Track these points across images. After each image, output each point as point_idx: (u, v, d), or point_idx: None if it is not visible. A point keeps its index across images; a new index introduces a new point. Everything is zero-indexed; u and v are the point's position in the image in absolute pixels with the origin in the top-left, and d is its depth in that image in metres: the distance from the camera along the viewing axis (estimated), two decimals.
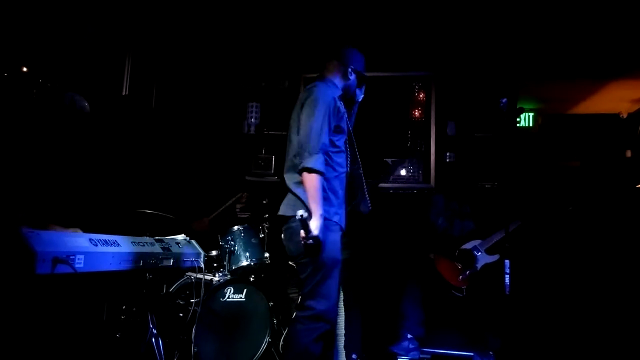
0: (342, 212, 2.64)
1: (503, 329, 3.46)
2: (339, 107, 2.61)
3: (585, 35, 4.37)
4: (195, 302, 3.07)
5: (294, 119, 2.66)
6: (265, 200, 4.02)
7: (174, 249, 2.81)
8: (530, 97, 4.91)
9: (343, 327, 3.86)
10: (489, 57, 4.68)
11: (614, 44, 4.45)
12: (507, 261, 2.78)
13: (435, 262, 3.84)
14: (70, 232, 2.17)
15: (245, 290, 3.35)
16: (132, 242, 2.46)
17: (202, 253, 3.10)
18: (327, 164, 2.51)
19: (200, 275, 3.06)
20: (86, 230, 2.24)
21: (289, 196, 2.59)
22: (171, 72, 4.95)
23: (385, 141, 4.86)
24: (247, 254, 3.58)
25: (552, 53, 4.62)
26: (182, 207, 4.27)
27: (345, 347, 3.81)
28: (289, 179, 2.59)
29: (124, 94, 4.58)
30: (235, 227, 3.66)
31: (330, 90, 2.64)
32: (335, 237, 2.53)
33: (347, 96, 2.84)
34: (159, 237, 2.79)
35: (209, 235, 4.05)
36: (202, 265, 2.99)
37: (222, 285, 3.32)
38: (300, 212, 2.27)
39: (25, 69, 3.45)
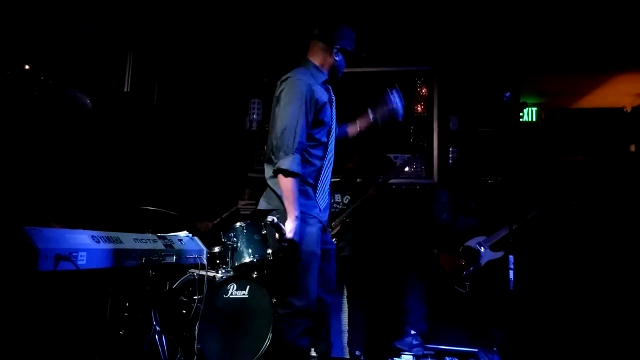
0: (324, 204, 2.53)
1: (507, 325, 3.45)
2: (317, 98, 2.44)
3: (588, 28, 4.35)
4: (198, 298, 3.06)
5: (272, 111, 2.53)
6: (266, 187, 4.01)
7: (177, 245, 2.80)
8: (533, 91, 4.89)
9: (346, 323, 3.87)
10: (492, 51, 4.66)
11: (617, 37, 4.42)
12: (511, 257, 2.76)
13: (438, 258, 3.83)
14: (72, 230, 2.16)
15: (248, 286, 3.34)
16: (134, 239, 2.45)
17: (205, 250, 3.09)
18: (304, 159, 2.40)
19: (203, 272, 3.05)
20: (88, 227, 2.23)
21: (267, 190, 2.50)
22: (173, 69, 4.94)
23: (387, 137, 4.85)
24: (250, 250, 3.58)
25: (555, 47, 4.59)
26: (185, 203, 4.27)
27: (348, 342, 3.82)
28: (266, 172, 2.50)
29: (125, 90, 4.58)
30: (238, 224, 3.66)
31: (306, 77, 2.47)
32: (312, 230, 2.42)
33: (336, 78, 2.66)
34: (162, 234, 2.78)
35: (211, 231, 4.06)
36: (205, 262, 2.98)
37: (225, 282, 3.31)
38: (271, 218, 2.23)
39: (27, 67, 3.44)
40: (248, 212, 4.51)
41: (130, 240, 2.40)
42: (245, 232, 3.62)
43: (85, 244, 2.05)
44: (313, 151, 2.47)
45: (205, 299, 2.99)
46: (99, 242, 2.14)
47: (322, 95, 2.50)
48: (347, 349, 3.83)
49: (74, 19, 3.91)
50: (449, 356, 3.60)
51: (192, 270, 3.37)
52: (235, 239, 3.59)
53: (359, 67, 4.86)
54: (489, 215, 3.96)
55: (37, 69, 3.42)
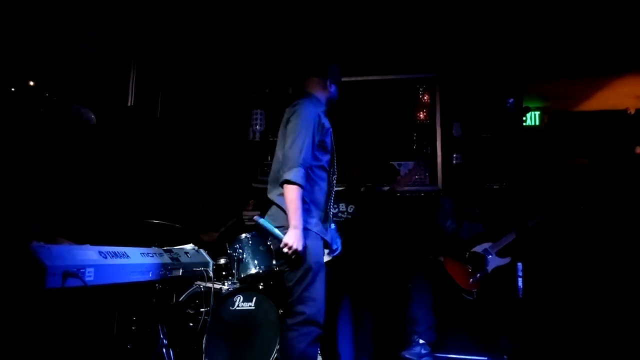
0: (327, 225, 2.71)
1: (516, 332, 3.42)
2: (323, 124, 2.68)
3: (589, 31, 4.35)
4: (205, 311, 3.06)
5: (280, 135, 2.74)
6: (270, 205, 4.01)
7: (183, 259, 2.81)
8: (536, 96, 4.88)
9: (353, 333, 3.85)
10: (493, 57, 4.67)
11: (619, 40, 4.42)
12: (519, 264, 2.75)
13: (445, 265, 3.81)
14: (79, 246, 2.18)
15: (254, 298, 3.33)
16: (141, 254, 2.46)
17: (211, 262, 3.09)
18: (309, 177, 2.58)
19: (209, 284, 3.05)
20: (95, 242, 2.24)
21: (272, 208, 2.65)
22: (176, 82, 4.97)
23: (390, 144, 4.86)
24: (256, 261, 3.57)
25: (557, 51, 4.59)
26: (190, 216, 4.28)
27: (356, 352, 3.80)
28: (273, 191, 2.66)
29: (129, 104, 4.61)
30: (243, 235, 3.65)
31: (314, 107, 2.70)
32: (317, 243, 2.57)
33: (331, 106, 2.92)
34: (168, 248, 2.79)
35: (217, 245, 4.06)
36: (212, 274, 2.98)
37: (232, 294, 3.31)
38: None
39: (32, 83, 3.47)
40: (252, 224, 4.51)
41: (137, 255, 2.41)
42: (251, 244, 3.61)
43: (93, 260, 2.05)
44: (317, 172, 2.67)
45: (212, 311, 2.99)
46: (106, 258, 2.15)
47: (326, 122, 2.74)
48: (354, 358, 3.81)
49: (77, 35, 3.95)
50: None
51: (199, 282, 3.37)
52: (240, 251, 3.58)
53: (361, 76, 4.89)
54: (494, 221, 3.95)
55: (41, 86, 3.44)
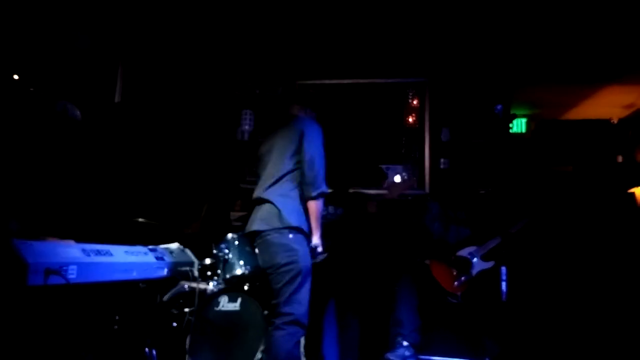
0: None
1: (500, 335, 3.45)
2: None
3: (577, 41, 4.41)
4: (189, 311, 3.04)
5: (283, 139, 2.95)
6: (259, 205, 4.00)
7: (168, 258, 2.79)
8: (523, 103, 4.94)
9: (338, 335, 3.84)
10: (482, 63, 4.71)
11: (606, 50, 4.49)
12: (503, 268, 2.78)
13: (430, 268, 3.83)
14: (63, 243, 2.14)
15: (239, 299, 3.31)
16: (125, 252, 2.44)
17: (196, 262, 3.07)
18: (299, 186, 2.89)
19: (194, 284, 3.03)
20: (79, 240, 2.21)
21: (265, 209, 2.85)
22: (164, 79, 4.93)
23: (379, 148, 4.87)
24: (242, 262, 3.54)
25: (545, 59, 4.65)
26: (177, 215, 4.24)
27: (341, 354, 3.79)
28: (271, 190, 2.87)
29: (116, 101, 4.56)
30: (230, 236, 3.62)
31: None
32: (307, 246, 2.82)
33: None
34: (153, 246, 2.76)
35: (203, 242, 4.02)
36: (197, 273, 2.96)
37: (217, 294, 3.28)
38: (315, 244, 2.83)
39: (16, 77, 3.42)
40: (239, 224, 4.49)
41: (121, 254, 2.38)
42: (237, 244, 3.59)
43: (76, 258, 2.03)
44: None
45: (196, 311, 2.96)
46: (89, 256, 2.12)
47: None
48: None
49: (64, 30, 3.90)
50: None
51: (183, 282, 3.34)
52: (226, 251, 3.55)
53: (351, 79, 4.90)
54: (480, 225, 3.98)
55: (27, 81, 3.39)
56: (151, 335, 2.72)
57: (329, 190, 2.85)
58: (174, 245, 3.06)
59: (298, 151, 2.87)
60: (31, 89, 3.35)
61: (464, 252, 3.83)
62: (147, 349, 2.66)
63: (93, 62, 4.26)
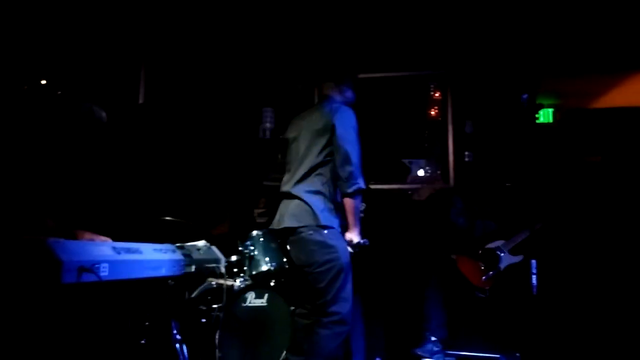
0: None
1: (529, 330, 3.40)
2: None
3: (603, 27, 4.30)
4: (217, 307, 3.07)
5: (310, 130, 2.79)
6: (286, 200, 4.01)
7: (195, 255, 2.81)
8: (549, 93, 4.84)
9: (365, 330, 3.84)
10: (506, 54, 4.63)
11: (633, 36, 4.37)
12: (533, 261, 2.73)
13: (457, 263, 3.79)
14: (98, 241, 2.18)
15: (266, 295, 3.34)
16: (154, 250, 2.47)
17: (223, 259, 3.09)
18: (335, 185, 2.79)
19: (221, 281, 3.05)
20: (110, 238, 2.25)
21: (294, 205, 2.72)
22: (186, 79, 4.98)
23: (402, 142, 4.84)
24: (267, 258, 3.57)
25: (571, 47, 4.55)
26: (202, 213, 4.28)
27: (368, 349, 3.79)
28: (300, 186, 2.73)
29: (140, 102, 4.62)
30: (255, 232, 3.65)
31: (352, 112, 2.82)
32: (344, 243, 2.74)
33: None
34: (180, 244, 2.79)
35: (228, 240, 4.06)
36: (223, 270, 2.98)
37: (244, 291, 3.32)
38: (361, 241, 2.76)
39: (43, 82, 3.49)
40: (263, 221, 4.51)
41: (150, 251, 2.41)
42: (262, 241, 3.62)
43: (107, 256, 2.06)
44: None
45: (224, 307, 2.99)
46: (120, 254, 2.15)
47: None
48: (366, 356, 3.80)
49: (88, 33, 3.97)
50: None
51: (211, 279, 3.37)
52: (252, 248, 3.59)
53: (373, 73, 4.87)
54: (507, 218, 3.92)
55: (53, 84, 3.46)
56: (181, 331, 2.75)
57: (366, 186, 2.71)
58: (201, 243, 3.08)
59: (329, 143, 2.70)
60: (58, 92, 3.41)
61: (491, 246, 3.79)
62: (177, 345, 2.69)
63: (116, 64, 4.32)
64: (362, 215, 3.92)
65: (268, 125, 5.15)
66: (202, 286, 3.41)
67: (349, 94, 3.01)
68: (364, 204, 3.98)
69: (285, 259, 3.65)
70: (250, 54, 5.04)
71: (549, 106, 4.80)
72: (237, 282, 3.45)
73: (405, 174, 4.76)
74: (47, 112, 3.17)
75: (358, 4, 4.24)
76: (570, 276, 3.85)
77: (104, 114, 3.29)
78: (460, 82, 4.75)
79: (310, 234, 2.61)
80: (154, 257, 2.42)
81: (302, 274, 2.79)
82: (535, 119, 3.78)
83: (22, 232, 2.06)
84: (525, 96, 3.00)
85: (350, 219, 2.68)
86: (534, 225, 3.07)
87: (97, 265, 1.94)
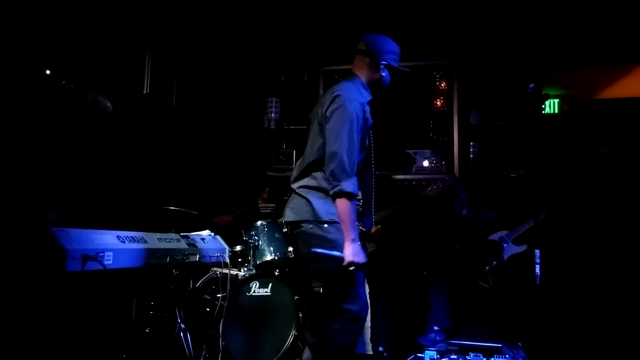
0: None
1: (532, 320, 3.40)
2: (367, 118, 2.49)
3: (611, 17, 4.25)
4: (221, 296, 3.09)
5: (315, 121, 2.52)
6: (287, 195, 4.02)
7: (200, 244, 2.83)
8: (555, 83, 4.80)
9: (369, 320, 3.85)
10: (513, 43, 4.58)
11: None
12: (537, 251, 2.72)
13: (460, 253, 3.80)
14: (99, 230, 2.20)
15: (270, 284, 3.36)
16: (158, 239, 2.49)
17: (227, 248, 3.11)
18: None
19: (225, 270, 3.08)
20: (114, 227, 2.27)
21: (294, 200, 2.55)
22: (191, 70, 4.98)
23: (406, 132, 4.82)
24: (271, 248, 3.59)
25: (578, 37, 4.50)
26: (206, 203, 4.30)
27: (371, 339, 3.81)
28: (297, 182, 2.55)
29: (145, 92, 4.63)
30: (259, 222, 3.67)
31: (357, 96, 2.46)
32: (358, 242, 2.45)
33: (380, 92, 2.65)
34: (185, 234, 2.81)
35: (232, 230, 4.08)
36: (227, 260, 3.00)
37: (248, 280, 3.34)
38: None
39: (48, 72, 3.50)
40: (268, 211, 4.52)
41: (154, 240, 2.43)
42: (267, 231, 3.63)
43: (111, 244, 2.08)
44: None
45: (228, 297, 3.01)
46: (124, 242, 2.18)
47: (369, 116, 2.53)
48: (370, 345, 3.82)
49: (93, 23, 3.96)
50: (472, 352, 3.56)
51: (215, 268, 3.40)
52: (256, 237, 3.61)
53: None
54: (511, 209, 3.92)
55: (58, 74, 3.47)
56: (185, 320, 2.77)
57: (350, 190, 2.31)
58: (205, 233, 3.11)
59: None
60: (63, 82, 3.42)
61: (494, 237, 3.79)
62: (182, 333, 2.72)
63: (121, 54, 4.32)
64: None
65: (273, 115, 5.15)
66: (206, 276, 3.44)
67: (386, 74, 2.57)
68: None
69: (290, 249, 3.66)
70: (256, 44, 5.03)
71: (555, 97, 4.77)
72: (241, 272, 3.48)
73: (410, 164, 4.74)
74: (51, 103, 3.19)
75: None
76: (574, 266, 3.85)
77: (108, 104, 3.30)
78: (467, 72, 4.71)
79: (311, 228, 2.43)
80: (158, 246, 2.44)
81: (309, 268, 2.72)
82: (541, 110, 3.74)
83: (24, 224, 2.08)
84: (531, 85, 2.96)
85: (342, 226, 2.34)
86: (538, 216, 3.06)
87: (101, 254, 1.96)
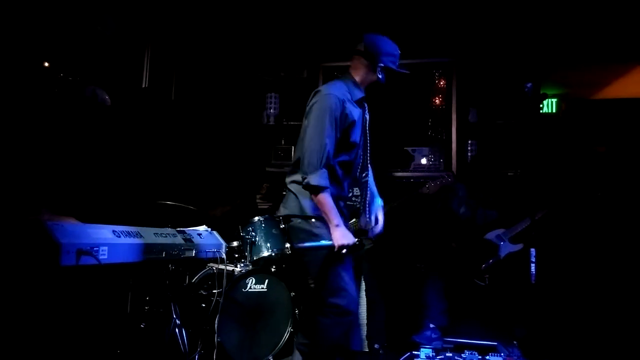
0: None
1: (528, 318, 3.41)
2: (347, 114, 2.50)
3: (609, 17, 4.25)
4: (217, 292, 3.09)
5: (304, 123, 2.61)
6: (284, 190, 4.02)
7: (196, 240, 2.83)
8: (553, 83, 4.80)
9: (365, 317, 3.86)
10: (511, 42, 4.58)
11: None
12: (533, 250, 2.72)
13: (457, 251, 3.80)
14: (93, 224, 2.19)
15: (266, 280, 3.36)
16: (154, 234, 2.48)
17: (224, 244, 3.11)
18: (331, 174, 2.49)
19: (222, 266, 3.07)
20: (110, 222, 2.26)
21: (286, 195, 2.64)
22: (190, 64, 4.96)
23: (405, 130, 4.81)
24: (268, 244, 3.58)
25: (576, 37, 4.50)
26: (204, 198, 4.29)
27: (368, 336, 3.82)
28: (289, 177, 2.63)
29: (143, 86, 4.61)
30: (256, 218, 3.66)
31: (339, 92, 2.50)
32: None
33: (376, 89, 2.70)
34: (181, 229, 2.81)
35: (229, 225, 4.08)
36: (224, 256, 3.00)
37: (244, 276, 3.33)
38: (324, 242, 2.41)
39: (47, 64, 3.48)
40: (266, 207, 4.52)
41: (150, 235, 2.43)
42: (264, 227, 3.62)
43: (107, 239, 2.07)
44: (339, 168, 2.57)
45: (224, 292, 3.01)
46: (119, 237, 2.17)
47: (353, 112, 2.55)
48: (366, 343, 3.83)
49: (92, 16, 3.95)
50: (468, 350, 3.58)
51: (211, 264, 3.39)
52: (253, 233, 3.60)
53: None
54: (508, 207, 3.92)
55: (56, 67, 3.45)
56: (181, 316, 2.77)
57: (314, 184, 2.38)
58: (202, 228, 3.10)
59: None
60: (61, 75, 3.41)
61: (491, 235, 3.79)
62: (177, 329, 2.71)
63: (121, 47, 4.30)
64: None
65: (272, 111, 5.14)
66: (202, 271, 3.44)
67: (382, 77, 2.62)
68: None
69: (287, 245, 3.65)
70: (256, 39, 5.01)
71: (552, 96, 4.77)
72: (238, 268, 3.47)
73: (409, 161, 4.74)
74: (49, 95, 3.17)
75: None
76: (570, 265, 3.86)
77: (107, 97, 3.29)
78: (465, 71, 4.71)
79: (299, 222, 2.52)
80: (154, 240, 2.43)
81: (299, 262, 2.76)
82: (539, 109, 3.74)
83: (18, 217, 2.07)
84: (529, 85, 2.96)
85: (325, 217, 2.43)
86: (535, 214, 3.06)
87: (96, 249, 1.96)
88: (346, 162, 2.60)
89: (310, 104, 2.53)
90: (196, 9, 4.59)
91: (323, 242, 2.41)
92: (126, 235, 2.22)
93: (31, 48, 3.45)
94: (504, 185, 4.23)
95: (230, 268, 3.40)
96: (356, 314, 3.82)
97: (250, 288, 3.32)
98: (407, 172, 4.68)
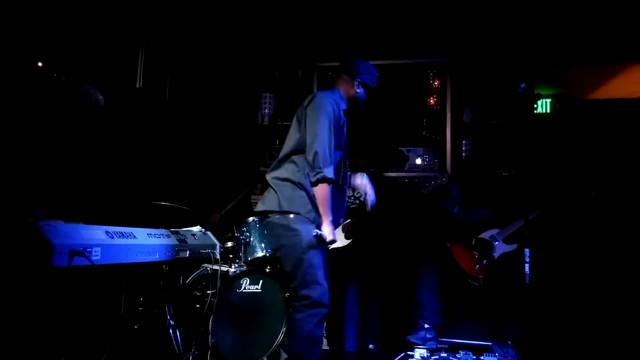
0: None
1: (521, 318, 3.42)
2: (339, 116, 2.71)
3: (603, 18, 4.27)
4: (211, 293, 3.08)
5: (294, 119, 2.78)
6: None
7: (190, 240, 2.81)
8: (548, 83, 4.82)
9: (359, 317, 3.86)
10: (505, 43, 4.60)
11: (633, 26, 4.33)
12: (527, 250, 2.73)
13: (451, 251, 3.80)
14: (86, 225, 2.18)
15: (261, 281, 3.35)
16: (148, 234, 2.47)
17: (218, 244, 3.10)
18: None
19: (216, 267, 3.06)
20: (103, 223, 2.25)
21: (267, 192, 2.75)
22: (184, 64, 4.95)
23: (400, 130, 4.82)
24: (263, 245, 3.58)
25: (570, 37, 4.52)
26: (197, 198, 4.29)
27: (362, 336, 3.82)
28: (271, 173, 2.75)
29: (137, 86, 4.59)
30: (251, 219, 3.66)
31: (331, 100, 2.70)
32: (308, 227, 2.62)
33: (357, 107, 2.91)
34: (175, 229, 2.79)
35: (218, 228, 4.07)
36: (218, 256, 2.99)
37: (238, 277, 3.32)
38: (315, 231, 2.55)
39: (40, 64, 3.46)
40: (261, 209, 4.50)
41: (144, 236, 2.42)
42: (258, 227, 3.62)
43: (100, 240, 2.06)
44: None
45: (218, 293, 3.00)
46: (113, 238, 2.16)
47: (342, 117, 2.76)
48: (359, 343, 3.83)
49: (86, 15, 3.93)
50: (462, 350, 3.58)
51: (206, 265, 3.38)
52: (248, 234, 3.60)
53: (371, 60, 4.82)
54: (502, 207, 3.93)
55: (50, 66, 3.44)
56: (175, 317, 2.76)
57: (331, 176, 2.55)
58: (196, 228, 3.09)
59: (305, 131, 2.66)
60: (55, 75, 3.39)
61: (485, 235, 3.80)
62: (171, 330, 2.70)
63: (114, 47, 4.28)
64: (358, 204, 3.93)
65: (267, 111, 5.13)
66: (196, 272, 3.42)
67: (361, 91, 2.87)
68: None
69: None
70: (250, 39, 5.00)
71: (547, 96, 4.79)
72: (232, 269, 3.46)
73: (403, 162, 4.75)
74: (43, 95, 3.15)
75: None
76: (563, 265, 3.87)
77: (100, 97, 3.28)
78: (460, 71, 4.72)
79: (277, 218, 2.63)
80: (148, 241, 2.42)
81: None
82: (533, 109, 3.75)
83: (10, 217, 2.05)
84: (523, 85, 2.97)
85: (320, 210, 2.58)
86: (529, 214, 3.07)
87: (89, 249, 1.94)
88: (336, 163, 2.73)
89: (312, 106, 2.68)
90: (190, 9, 4.57)
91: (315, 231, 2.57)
92: (119, 236, 2.21)
93: (25, 48, 3.43)
94: (498, 185, 4.24)
95: (224, 269, 3.39)
96: (349, 313, 3.83)
97: (244, 289, 3.32)
98: (402, 172, 4.69)
